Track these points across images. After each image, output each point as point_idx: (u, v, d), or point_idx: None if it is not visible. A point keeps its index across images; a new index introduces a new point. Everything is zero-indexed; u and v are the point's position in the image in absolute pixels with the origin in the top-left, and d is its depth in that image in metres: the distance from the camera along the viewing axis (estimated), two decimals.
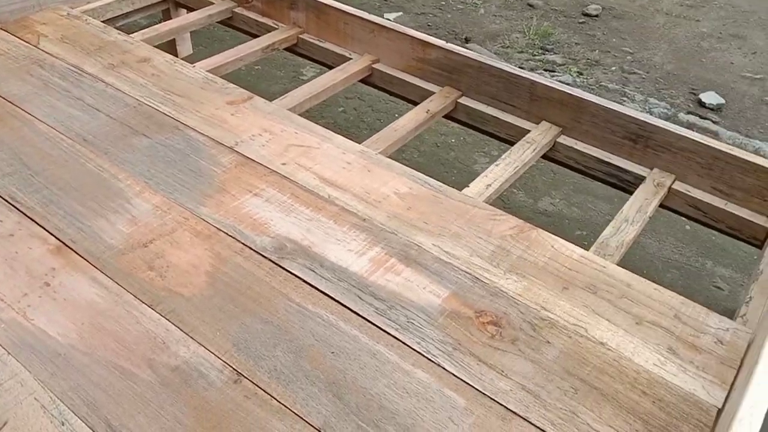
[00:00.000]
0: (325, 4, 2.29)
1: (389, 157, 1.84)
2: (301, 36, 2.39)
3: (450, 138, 2.73)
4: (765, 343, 1.11)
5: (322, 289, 1.31)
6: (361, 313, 1.28)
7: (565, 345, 1.26)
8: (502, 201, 2.37)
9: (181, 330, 1.22)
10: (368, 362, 1.18)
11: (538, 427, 1.11)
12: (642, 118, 1.80)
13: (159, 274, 1.33)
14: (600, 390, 1.18)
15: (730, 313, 1.53)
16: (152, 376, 1.14)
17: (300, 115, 1.91)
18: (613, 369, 1.22)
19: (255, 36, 2.46)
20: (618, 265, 1.52)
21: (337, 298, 1.30)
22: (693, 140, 1.73)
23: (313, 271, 1.35)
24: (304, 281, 1.33)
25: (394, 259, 1.41)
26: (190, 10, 2.66)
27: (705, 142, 1.73)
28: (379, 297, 1.31)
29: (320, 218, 1.49)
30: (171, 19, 2.72)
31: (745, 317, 1.44)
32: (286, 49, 2.43)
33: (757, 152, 2.81)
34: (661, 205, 1.80)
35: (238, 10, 2.56)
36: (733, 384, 1.22)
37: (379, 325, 1.26)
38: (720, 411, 1.17)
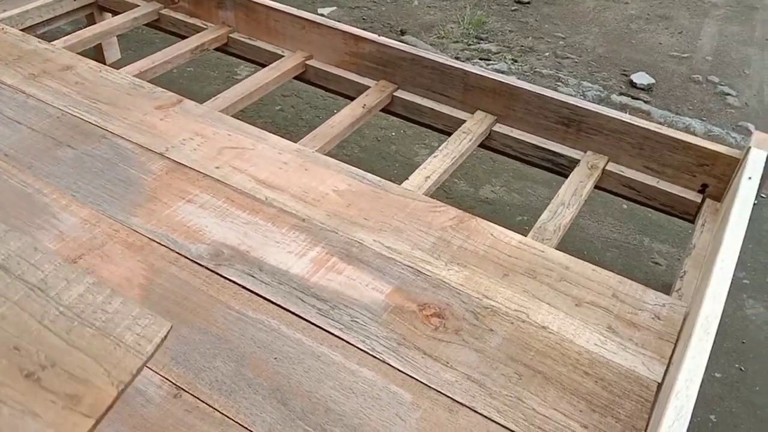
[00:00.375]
0: (254, 2, 2.25)
1: (327, 154, 1.82)
2: (231, 35, 2.34)
3: (390, 131, 2.72)
4: (698, 316, 1.14)
5: (263, 294, 1.29)
6: (303, 316, 1.26)
7: (507, 332, 1.27)
8: (444, 192, 2.38)
9: None
10: (312, 365, 1.17)
11: (484, 416, 1.11)
12: (573, 102, 1.83)
13: None
14: (544, 374, 1.20)
15: (669, 288, 1.58)
16: None
17: (234, 116, 1.87)
18: (555, 352, 1.24)
19: (184, 37, 2.39)
20: (557, 248, 1.54)
21: (278, 303, 1.27)
22: (623, 121, 1.77)
23: (252, 276, 1.32)
24: (243, 287, 1.30)
25: (335, 258, 1.39)
26: (114, 13, 2.57)
27: (635, 123, 1.77)
28: (322, 298, 1.30)
29: (258, 221, 1.46)
30: (95, 24, 2.63)
31: (680, 291, 1.48)
32: (216, 49, 2.37)
33: (687, 129, 2.91)
34: (596, 187, 1.84)
35: (164, 11, 2.49)
36: (671, 358, 1.25)
37: (323, 327, 1.24)
38: (660, 385, 1.20)
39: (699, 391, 1.76)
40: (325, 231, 1.45)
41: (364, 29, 3.51)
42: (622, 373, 1.21)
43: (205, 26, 2.39)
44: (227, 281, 1.31)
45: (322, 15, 3.62)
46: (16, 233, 0.92)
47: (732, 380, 1.80)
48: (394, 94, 2.09)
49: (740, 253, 2.25)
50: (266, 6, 2.23)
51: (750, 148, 1.59)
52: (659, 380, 1.21)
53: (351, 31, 2.13)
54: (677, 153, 1.73)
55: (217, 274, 1.32)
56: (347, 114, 1.98)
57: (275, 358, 1.17)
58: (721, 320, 1.99)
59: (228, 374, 1.14)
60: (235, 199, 1.51)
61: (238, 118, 1.81)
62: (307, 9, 3.56)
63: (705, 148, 1.70)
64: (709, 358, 1.86)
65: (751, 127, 2.98)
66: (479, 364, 1.20)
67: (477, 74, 1.95)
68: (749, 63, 3.52)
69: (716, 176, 1.71)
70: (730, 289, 2.09)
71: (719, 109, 3.09)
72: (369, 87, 2.10)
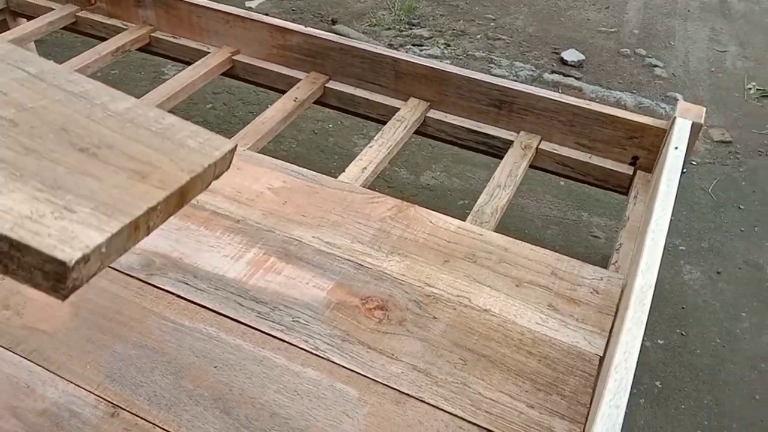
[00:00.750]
0: None
1: (261, 151, 1.78)
2: (153, 34, 2.26)
3: (327, 123, 2.69)
4: (633, 288, 1.16)
5: (199, 302, 1.25)
6: (242, 321, 1.23)
7: (450, 318, 1.27)
8: (386, 181, 2.37)
9: (46, 369, 1.12)
10: (255, 370, 1.14)
11: (431, 405, 1.11)
12: (503, 84, 1.84)
13: (16, 311, 1.22)
14: (488, 357, 1.20)
15: (608, 261, 1.60)
16: (18, 425, 1.04)
17: None
18: (498, 334, 1.24)
19: (104, 39, 2.30)
20: (496, 230, 1.55)
21: (215, 309, 1.24)
22: (552, 100, 1.79)
23: (187, 284, 1.28)
24: (178, 296, 1.26)
25: (273, 258, 1.36)
26: (29, 18, 2.45)
27: (564, 101, 1.79)
28: (261, 300, 1.27)
29: (190, 226, 1.41)
30: (8, 30, 2.49)
31: (617, 264, 1.51)
32: (139, 49, 2.29)
33: (618, 102, 2.97)
34: (531, 166, 1.85)
35: (81, 13, 2.38)
36: (611, 330, 1.27)
37: (264, 330, 1.21)
38: (602, 358, 1.22)
39: (644, 359, 1.82)
40: (261, 231, 1.42)
41: (294, 20, 3.46)
42: (564, 350, 1.23)
43: (125, 26, 2.30)
44: (161, 291, 1.26)
45: (250, 8, 3.55)
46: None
47: (674, 345, 1.86)
48: (326, 85, 2.06)
49: (675, 220, 2.33)
50: (187, 2, 2.16)
51: (675, 118, 1.62)
52: (601, 353, 1.23)
53: (277, 24, 2.08)
54: (607, 128, 1.76)
55: (150, 284, 1.27)
56: (279, 108, 1.94)
57: (215, 367, 1.14)
58: (660, 287, 2.06)
59: (167, 387, 1.10)
60: None
61: None
62: (235, 2, 3.49)
63: (633, 121, 1.73)
64: (652, 325, 1.92)
65: (679, 96, 3.07)
66: (424, 353, 1.20)
67: (407, 61, 1.94)
68: (674, 34, 3.63)
69: (646, 148, 1.75)
70: (668, 256, 2.16)
71: (648, 81, 3.17)
72: (300, 79, 2.07)
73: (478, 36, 3.43)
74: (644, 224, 1.42)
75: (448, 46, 3.31)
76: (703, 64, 3.37)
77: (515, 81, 3.04)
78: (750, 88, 3.18)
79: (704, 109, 1.64)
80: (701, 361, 1.82)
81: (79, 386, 1.10)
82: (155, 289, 1.27)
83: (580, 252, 2.13)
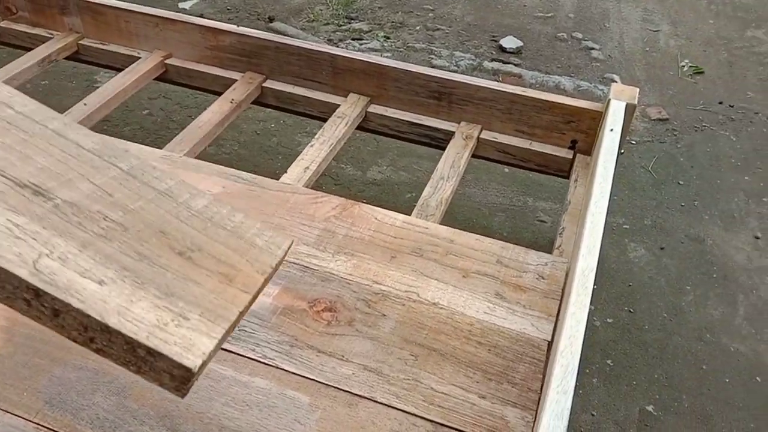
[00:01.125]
0: (100, 4, 2.10)
1: (199, 156, 1.74)
2: (81, 42, 2.18)
3: (269, 123, 2.65)
4: (575, 271, 1.17)
5: None
6: None
7: (400, 314, 1.26)
8: (332, 178, 2.35)
9: None
10: (201, 384, 1.11)
11: (384, 404, 1.10)
12: (441, 75, 1.84)
13: None
14: (438, 351, 1.20)
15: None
16: None
17: (95, 126, 1.75)
18: (447, 327, 1.24)
19: (30, 49, 2.20)
20: (442, 222, 1.55)
21: None
22: (490, 89, 1.80)
23: None
24: None
25: None
26: None
27: (501, 89, 1.80)
28: None
29: None
30: None
31: (561, 248, 1.53)
32: (67, 58, 2.20)
33: (557, 87, 3.02)
34: (474, 156, 1.86)
35: (3, 23, 2.28)
36: (558, 315, 1.29)
37: None
38: (551, 343, 1.23)
39: (594, 338, 1.85)
40: None
41: (229, 20, 3.41)
42: (513, 338, 1.24)
43: (50, 35, 2.21)
44: None
45: (184, 9, 3.47)
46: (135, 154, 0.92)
47: (623, 323, 1.90)
48: (264, 85, 2.02)
49: (618, 200, 2.38)
50: (113, 7, 2.09)
51: (610, 100, 1.65)
52: (549, 338, 1.24)
53: (209, 25, 2.03)
54: (544, 113, 1.78)
55: None
56: (215, 111, 1.89)
57: None
58: (607, 267, 2.10)
59: (110, 409, 1.06)
60: None
61: (101, 129, 1.69)
62: (168, 5, 3.40)
63: (569, 105, 1.75)
64: (600, 304, 1.96)
65: (616, 77, 3.13)
66: (375, 352, 1.19)
67: (344, 57, 1.92)
68: (608, 16, 3.70)
69: (583, 131, 1.78)
70: (612, 236, 2.20)
71: (585, 63, 3.23)
72: (236, 80, 2.02)
73: (417, 27, 3.43)
74: (584, 207, 1.44)
75: (388, 38, 3.30)
76: (637, 44, 3.45)
77: (456, 71, 3.06)
78: (683, 66, 3.27)
79: (637, 89, 1.67)
80: (650, 337, 1.86)
81: (16, 415, 1.05)
82: None
83: (528, 237, 2.15)
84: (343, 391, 1.12)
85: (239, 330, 1.20)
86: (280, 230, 1.42)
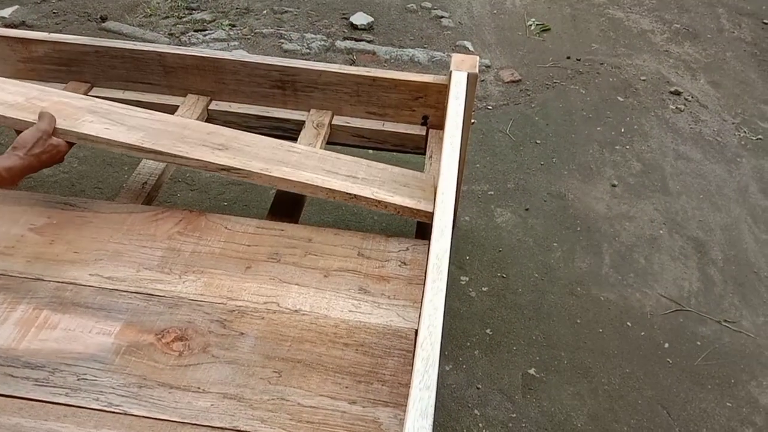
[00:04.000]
0: None
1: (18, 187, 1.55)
2: None
3: None
4: (433, 254, 1.13)
5: None
6: (17, 395, 1.05)
7: (259, 329, 1.18)
8: (187, 184, 2.20)
9: None
10: None
11: None
12: (281, 63, 1.74)
13: None
14: (303, 361, 1.13)
15: None
16: None
17: None
18: (311, 333, 1.18)
19: None
20: (299, 222, 1.48)
21: None
22: (334, 72, 1.72)
23: None
24: None
25: (46, 311, 1.18)
26: None
27: (345, 72, 1.73)
28: (37, 365, 1.10)
29: None
30: None
31: None
32: None
33: (412, 60, 3.00)
34: (329, 143, 1.79)
35: None
36: (422, 301, 1.25)
37: (44, 399, 1.05)
38: (418, 331, 1.19)
39: (472, 309, 1.85)
40: (27, 282, 1.23)
41: (56, 24, 3.11)
42: (380, 332, 1.19)
43: None
44: None
45: (2, 18, 3.12)
46: None
47: (498, 290, 1.91)
48: (89, 94, 1.83)
49: (480, 167, 2.39)
50: None
51: (451, 72, 1.62)
52: (416, 326, 1.20)
53: (16, 35, 1.81)
54: (392, 92, 1.73)
55: None
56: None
57: None
58: (476, 235, 2.11)
59: None
60: None
61: None
62: None
63: (415, 81, 1.72)
64: (474, 274, 1.96)
65: (468, 44, 3.15)
66: (235, 376, 1.10)
67: (174, 53, 1.77)
68: None
69: (432, 106, 1.75)
70: (479, 204, 2.21)
71: (437, 33, 3.23)
72: None
73: (264, 12, 3.29)
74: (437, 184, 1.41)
75: (234, 26, 3.13)
76: (485, 8, 3.49)
77: (309, 54, 2.96)
78: (530, 25, 3.35)
79: (477, 58, 1.66)
80: (524, 299, 1.89)
81: None
82: None
83: (401, 223, 2.12)
84: (202, 426, 1.03)
85: (78, 379, 1.08)
86: (118, 257, 1.29)
